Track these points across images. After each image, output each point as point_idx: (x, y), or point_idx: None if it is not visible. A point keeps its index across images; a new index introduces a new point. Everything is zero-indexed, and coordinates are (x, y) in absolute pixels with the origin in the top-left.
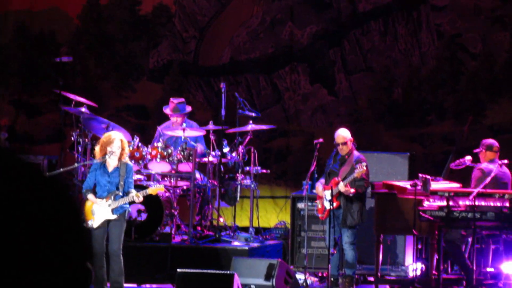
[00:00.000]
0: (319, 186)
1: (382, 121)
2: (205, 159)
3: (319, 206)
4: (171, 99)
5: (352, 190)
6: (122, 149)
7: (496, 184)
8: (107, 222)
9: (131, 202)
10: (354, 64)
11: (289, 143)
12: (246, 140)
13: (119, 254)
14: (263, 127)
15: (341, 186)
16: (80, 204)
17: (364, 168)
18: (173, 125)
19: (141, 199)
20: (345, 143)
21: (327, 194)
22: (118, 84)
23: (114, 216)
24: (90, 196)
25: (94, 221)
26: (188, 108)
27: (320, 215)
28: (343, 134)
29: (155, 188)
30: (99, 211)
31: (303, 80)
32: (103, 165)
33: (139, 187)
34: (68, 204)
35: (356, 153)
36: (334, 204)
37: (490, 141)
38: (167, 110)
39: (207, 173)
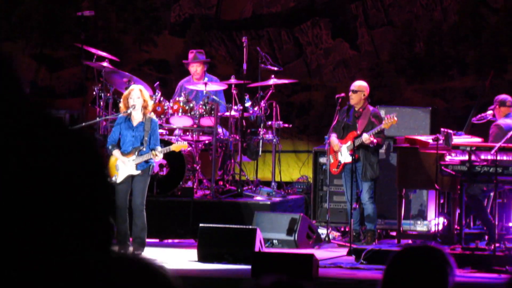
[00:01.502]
0: (334, 140)
1: (404, 75)
2: (227, 113)
3: (332, 161)
4: (190, 50)
5: (375, 141)
6: (144, 101)
7: None
8: (131, 177)
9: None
10: (376, 18)
11: (311, 98)
12: (268, 95)
13: (142, 209)
14: (285, 81)
15: (365, 138)
16: (105, 159)
17: (395, 119)
18: (193, 77)
19: (160, 157)
20: (356, 92)
21: (345, 147)
22: (139, 38)
23: (138, 172)
24: (116, 152)
25: (118, 176)
26: (202, 56)
27: (334, 170)
28: (358, 83)
29: (179, 145)
30: (123, 166)
31: (324, 35)
32: (128, 119)
33: (162, 142)
34: (95, 159)
35: (370, 107)
36: (353, 158)
37: (503, 96)
38: (186, 61)
39: (229, 128)
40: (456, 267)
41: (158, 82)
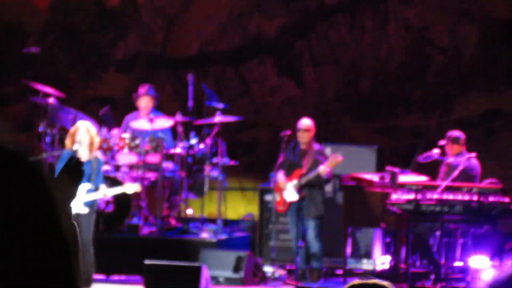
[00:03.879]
0: (280, 177)
1: (350, 113)
2: (173, 151)
3: (278, 199)
4: (140, 86)
5: (330, 172)
6: (91, 138)
7: (464, 177)
8: (77, 215)
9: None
10: (322, 56)
11: (257, 135)
12: (214, 132)
13: (90, 245)
14: (231, 118)
15: (322, 169)
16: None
17: (340, 158)
18: (141, 112)
19: (109, 196)
20: (307, 130)
21: (291, 185)
22: (85, 75)
23: (85, 209)
24: None
25: None
26: (153, 92)
27: (280, 208)
28: (307, 122)
29: (132, 187)
30: None
31: (271, 72)
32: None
33: (113, 181)
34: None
35: (316, 145)
36: (299, 196)
37: (457, 133)
38: (136, 95)
39: (175, 164)
40: None
41: (108, 106)
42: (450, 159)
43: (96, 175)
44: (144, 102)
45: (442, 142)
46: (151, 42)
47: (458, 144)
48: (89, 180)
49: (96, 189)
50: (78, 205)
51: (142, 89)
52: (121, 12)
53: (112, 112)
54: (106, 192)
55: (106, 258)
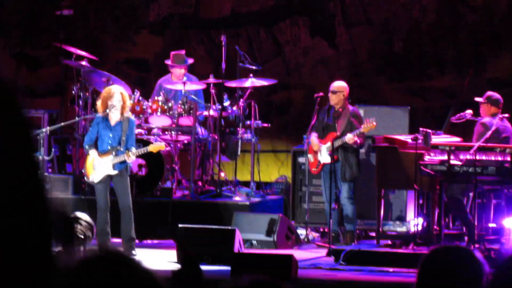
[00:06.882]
0: (314, 140)
1: (383, 74)
2: (206, 113)
3: (312, 160)
4: (172, 52)
5: (358, 141)
6: (123, 102)
7: (497, 138)
8: (109, 177)
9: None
10: (354, 17)
11: (290, 97)
12: (247, 94)
13: (130, 209)
14: (264, 80)
15: (349, 138)
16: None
17: (374, 124)
18: (173, 77)
19: (134, 158)
20: (335, 92)
21: (325, 148)
22: (118, 37)
23: (115, 172)
24: (92, 151)
25: (95, 176)
26: (190, 60)
27: (314, 169)
28: (337, 83)
29: (156, 146)
30: (100, 166)
31: (303, 33)
32: (105, 119)
33: (141, 142)
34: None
35: (350, 106)
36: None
37: (497, 96)
38: (169, 62)
39: (208, 127)
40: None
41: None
42: (486, 119)
43: (127, 137)
44: (178, 70)
45: (478, 99)
46: (183, 3)
47: (497, 106)
48: (119, 142)
49: (126, 151)
50: (109, 168)
51: (175, 58)
52: None
53: (142, 74)
54: (132, 153)
55: (139, 223)
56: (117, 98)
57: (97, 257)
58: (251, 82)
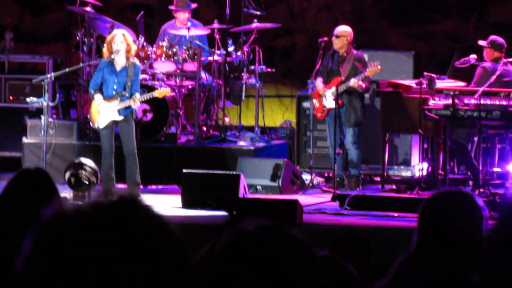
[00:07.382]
0: (319, 84)
1: (387, 19)
2: (210, 58)
3: (317, 105)
4: None
5: (364, 85)
6: (128, 45)
7: (499, 82)
8: (115, 123)
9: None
10: None
11: (294, 42)
12: (251, 39)
13: (134, 153)
14: (268, 25)
15: (354, 82)
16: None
17: (379, 67)
18: (177, 23)
19: (139, 104)
20: (339, 37)
21: (330, 92)
22: None
23: (121, 117)
24: (97, 96)
25: (100, 121)
26: (193, 4)
27: (319, 114)
28: (341, 28)
29: (162, 91)
30: (105, 111)
31: None
32: (111, 64)
33: (146, 88)
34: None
35: (354, 51)
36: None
37: (501, 40)
38: (172, 7)
39: (212, 73)
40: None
41: (142, 12)
42: (487, 64)
43: (132, 82)
44: (182, 15)
45: (482, 42)
46: None
47: (500, 51)
48: (124, 88)
49: (131, 96)
50: (114, 113)
51: (179, 2)
52: None
53: (146, 19)
54: (137, 98)
55: (144, 168)
56: (118, 39)
57: (112, 201)
58: (255, 26)
